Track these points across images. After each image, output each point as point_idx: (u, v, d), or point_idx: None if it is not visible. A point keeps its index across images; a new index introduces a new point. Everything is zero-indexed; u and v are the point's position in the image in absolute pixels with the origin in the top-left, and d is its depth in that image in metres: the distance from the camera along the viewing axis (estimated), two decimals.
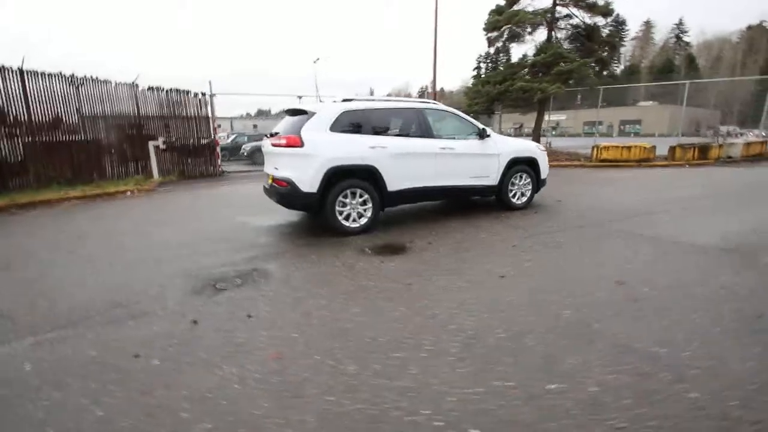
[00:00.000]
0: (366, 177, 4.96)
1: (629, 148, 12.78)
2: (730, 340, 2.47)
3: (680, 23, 67.42)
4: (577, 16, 15.86)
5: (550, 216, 5.89)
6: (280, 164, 4.95)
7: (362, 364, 2.28)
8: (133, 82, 10.91)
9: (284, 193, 4.85)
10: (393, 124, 5.37)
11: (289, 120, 5.24)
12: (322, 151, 4.71)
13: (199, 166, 12.44)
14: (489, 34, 16.42)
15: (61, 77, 9.43)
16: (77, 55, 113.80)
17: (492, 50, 17.72)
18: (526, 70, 16.09)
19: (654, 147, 12.98)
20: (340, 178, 4.83)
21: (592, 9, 15.04)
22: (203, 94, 12.27)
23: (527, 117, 21.94)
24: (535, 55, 15.94)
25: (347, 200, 4.94)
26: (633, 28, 64.05)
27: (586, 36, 15.97)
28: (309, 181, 4.68)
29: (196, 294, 3.35)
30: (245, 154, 18.02)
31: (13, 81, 8.58)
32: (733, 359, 2.25)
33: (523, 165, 6.13)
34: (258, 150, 17.65)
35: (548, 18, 15.73)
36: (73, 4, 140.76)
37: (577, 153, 14.94)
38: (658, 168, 11.96)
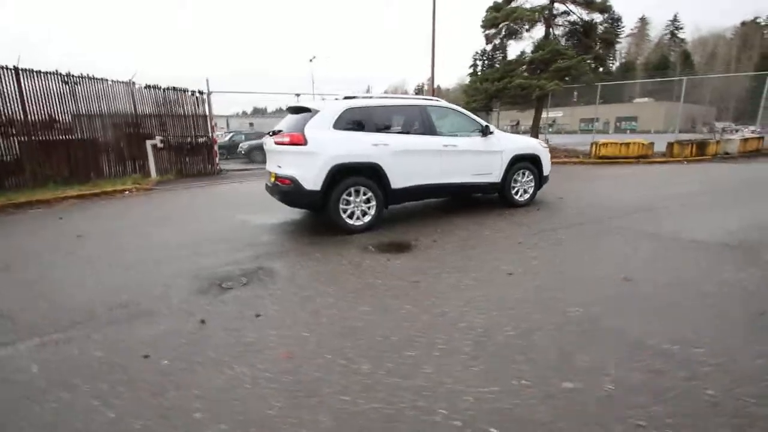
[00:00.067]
0: (370, 175, 4.94)
1: (628, 144, 12.81)
2: (738, 336, 2.47)
3: (675, 20, 67.66)
4: (574, 13, 15.88)
5: (553, 213, 5.89)
6: (284, 162, 4.91)
7: (375, 362, 2.27)
8: (130, 80, 10.81)
9: (288, 191, 4.81)
10: (396, 121, 5.35)
11: (291, 118, 5.20)
12: (325, 148, 4.68)
13: (197, 165, 12.37)
14: (487, 31, 16.40)
15: (57, 75, 9.32)
16: (77, 55, 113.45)
17: (489, 47, 17.69)
18: (524, 67, 16.10)
19: (652, 143, 13.02)
20: (343, 175, 4.80)
21: (590, 5, 15.05)
22: (201, 93, 12.18)
23: (524, 114, 21.98)
24: (533, 52, 15.93)
25: (351, 198, 4.91)
26: (628, 25, 64.11)
27: (583, 33, 15.99)
28: (313, 179, 4.65)
29: (202, 293, 3.32)
30: (243, 152, 17.91)
31: (8, 79, 8.47)
32: (743, 356, 2.25)
33: (526, 162, 6.12)
34: (255, 148, 17.60)
35: (546, 15, 15.73)
36: (73, 4, 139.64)
37: (575, 150, 14.96)
38: (657, 164, 12.00)
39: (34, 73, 8.89)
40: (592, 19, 15.90)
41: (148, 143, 10.86)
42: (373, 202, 5.03)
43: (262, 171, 12.19)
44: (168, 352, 2.45)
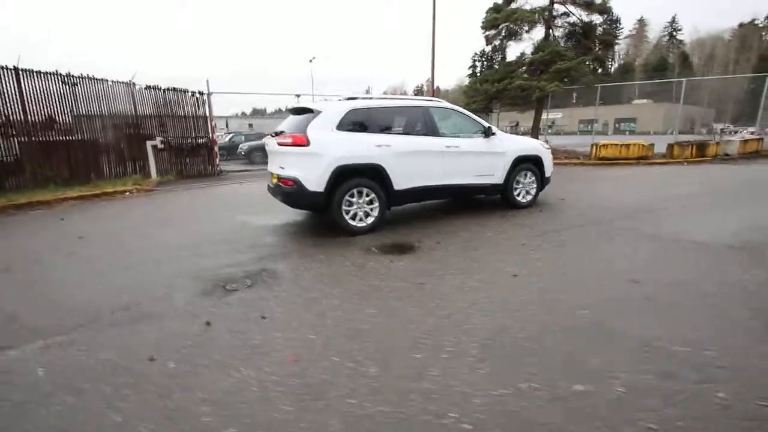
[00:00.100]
0: (372, 176, 4.93)
1: (628, 146, 12.82)
2: (747, 338, 2.46)
3: (673, 21, 67.88)
4: (574, 14, 15.90)
5: (555, 214, 5.88)
6: (286, 163, 4.90)
7: (382, 365, 2.26)
8: (130, 81, 10.79)
9: (290, 192, 4.80)
10: (399, 122, 5.33)
11: (294, 119, 5.19)
12: (328, 149, 4.67)
13: (197, 166, 12.34)
14: (487, 32, 16.40)
15: (57, 76, 9.29)
16: (77, 55, 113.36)
17: (489, 48, 17.72)
18: (524, 68, 16.10)
19: (652, 145, 13.03)
20: (346, 177, 4.79)
21: (590, 7, 15.07)
22: (201, 93, 12.16)
23: (524, 116, 21.99)
24: (533, 54, 15.95)
25: (354, 199, 4.90)
26: (627, 26, 64.27)
27: (582, 34, 16.00)
28: (316, 180, 4.64)
29: (206, 295, 3.31)
30: (242, 153, 17.89)
31: (8, 79, 8.44)
32: (753, 358, 2.25)
33: (528, 163, 6.11)
34: (255, 149, 17.59)
35: (546, 16, 15.75)
36: (73, 4, 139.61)
37: (575, 151, 14.97)
38: (657, 165, 12.01)
39: (34, 74, 8.86)
40: (592, 21, 15.94)
41: (149, 144, 10.83)
42: (376, 204, 5.02)
43: (262, 172, 12.15)
44: (174, 354, 2.44)
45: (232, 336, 2.63)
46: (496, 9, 15.88)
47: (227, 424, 1.83)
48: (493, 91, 15.34)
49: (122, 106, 10.72)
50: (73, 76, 9.58)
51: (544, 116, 17.94)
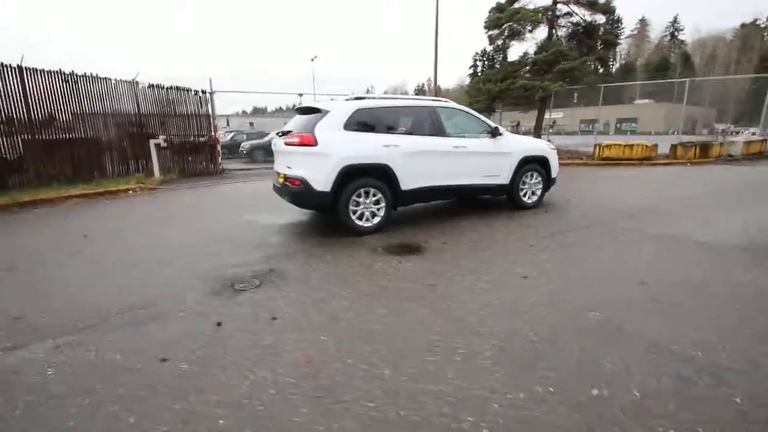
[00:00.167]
0: (380, 176, 4.91)
1: (631, 146, 12.80)
2: (759, 341, 2.45)
3: (675, 21, 67.80)
4: (577, 14, 15.88)
5: (561, 215, 5.87)
6: (293, 163, 4.88)
7: (396, 368, 2.24)
8: (133, 80, 10.76)
9: (297, 191, 4.78)
10: (406, 122, 5.31)
11: (300, 118, 5.17)
12: (336, 149, 4.65)
13: (200, 164, 12.32)
14: (490, 32, 16.39)
15: (60, 74, 9.27)
16: (77, 55, 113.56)
17: (491, 48, 17.66)
18: (527, 68, 16.09)
19: (656, 145, 13.01)
20: (353, 177, 4.77)
21: (593, 6, 15.05)
22: (203, 92, 12.14)
23: (525, 115, 21.98)
24: (536, 53, 15.93)
25: (360, 199, 4.89)
26: (628, 26, 64.22)
27: (585, 34, 15.98)
28: (323, 180, 4.63)
29: (215, 295, 3.29)
30: (244, 152, 17.88)
31: (12, 78, 8.43)
32: (766, 362, 2.24)
33: (534, 164, 6.10)
34: (257, 148, 17.58)
35: (549, 16, 15.72)
36: (73, 4, 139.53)
37: (578, 151, 14.95)
38: (661, 166, 11.99)
39: (38, 72, 8.84)
40: (595, 20, 15.92)
41: (152, 142, 10.81)
42: (383, 204, 5.01)
43: (265, 170, 12.15)
44: (186, 355, 2.42)
45: (244, 337, 2.62)
46: (499, 9, 15.86)
47: (244, 427, 1.82)
48: (496, 90, 15.33)
49: (125, 104, 10.71)
50: (76, 74, 9.56)
51: (546, 116, 17.93)
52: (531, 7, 15.78)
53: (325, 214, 5.67)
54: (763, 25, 59.78)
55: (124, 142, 10.71)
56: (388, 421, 1.85)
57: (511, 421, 1.82)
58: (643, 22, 70.44)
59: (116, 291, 3.44)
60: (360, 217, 4.94)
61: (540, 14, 15.42)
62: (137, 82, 10.86)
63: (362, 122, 4.92)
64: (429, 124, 5.32)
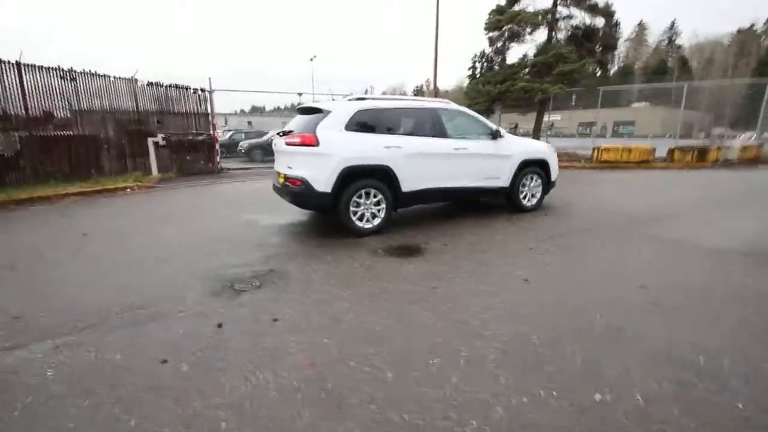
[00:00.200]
0: (381, 177, 4.90)
1: (630, 149, 12.85)
2: (760, 346, 2.46)
3: (673, 25, 68.12)
4: (578, 17, 15.93)
5: (560, 218, 5.88)
6: (294, 163, 4.87)
7: (400, 371, 2.23)
8: (132, 77, 10.70)
9: (298, 192, 4.77)
10: (407, 123, 5.30)
11: (302, 118, 5.15)
12: (337, 150, 4.64)
13: (198, 163, 12.25)
14: (490, 34, 16.41)
15: (59, 71, 9.21)
16: (77, 54, 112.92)
17: (491, 50, 17.64)
18: (527, 70, 16.11)
19: (654, 149, 13.06)
20: (354, 178, 4.76)
21: (594, 9, 15.11)
22: (203, 90, 12.08)
23: (525, 117, 22.01)
24: (535, 56, 15.97)
25: (361, 200, 4.88)
26: (626, 30, 64.47)
27: (585, 37, 16.03)
28: (324, 181, 4.61)
29: (215, 295, 3.28)
30: (243, 151, 17.83)
31: (10, 74, 8.37)
32: None
33: (535, 167, 6.10)
34: (255, 147, 17.55)
35: (549, 18, 15.76)
36: (73, 4, 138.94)
37: (577, 154, 14.99)
38: (659, 170, 12.04)
39: (36, 68, 8.78)
40: (594, 24, 15.98)
41: (150, 141, 10.76)
42: (383, 205, 5.00)
43: (263, 170, 12.10)
44: (187, 356, 2.41)
45: (245, 339, 2.60)
46: (499, 11, 15.89)
47: (246, 430, 1.81)
48: (496, 92, 15.35)
49: (124, 102, 10.63)
50: (74, 71, 9.50)
51: (545, 118, 17.98)
52: (531, 9, 15.82)
53: (325, 214, 5.66)
54: (759, 31, 60.18)
55: (122, 139, 10.64)
56: (393, 424, 1.84)
57: (515, 427, 1.82)
58: (641, 26, 70.67)
59: (116, 290, 3.42)
60: (360, 218, 4.93)
61: (540, 17, 15.45)
62: (136, 80, 10.79)
63: (364, 123, 4.91)
64: (430, 125, 5.32)
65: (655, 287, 3.33)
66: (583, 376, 2.18)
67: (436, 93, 17.48)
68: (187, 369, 2.29)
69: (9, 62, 8.28)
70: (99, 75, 9.99)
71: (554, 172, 6.39)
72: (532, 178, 6.15)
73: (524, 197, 6.15)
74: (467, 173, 5.51)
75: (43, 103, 9.00)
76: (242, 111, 54.28)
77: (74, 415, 1.95)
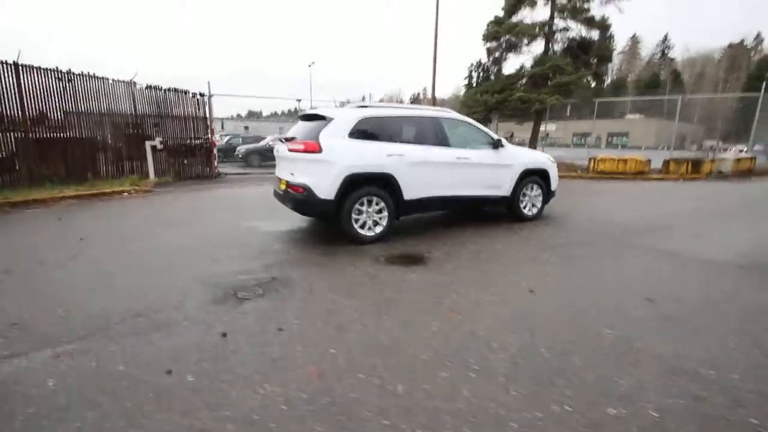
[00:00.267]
0: (383, 185, 4.89)
1: (625, 160, 12.98)
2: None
3: (665, 39, 69.36)
4: (574, 30, 16.16)
5: (560, 228, 5.90)
6: (297, 170, 4.84)
7: (410, 383, 2.20)
8: (130, 80, 10.65)
9: (300, 199, 4.74)
10: (410, 132, 5.30)
11: (304, 125, 5.14)
12: (340, 157, 4.63)
13: (196, 167, 12.19)
14: (488, 44, 16.61)
15: (57, 72, 9.14)
16: (77, 54, 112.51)
17: (489, 60, 17.81)
18: (524, 80, 16.29)
19: (649, 161, 13.20)
20: (357, 185, 4.75)
21: (590, 23, 15.33)
22: (201, 95, 12.06)
23: (521, 127, 22.19)
24: (532, 67, 16.15)
25: (363, 208, 4.86)
26: (620, 43, 65.50)
27: (581, 49, 16.26)
28: (327, 188, 4.59)
29: (218, 303, 3.23)
30: (240, 155, 17.79)
31: (7, 75, 8.28)
32: None
33: (535, 176, 6.13)
34: (253, 152, 17.51)
35: (546, 30, 15.97)
36: (73, 4, 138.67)
37: (573, 164, 15.09)
38: (654, 181, 12.16)
39: (34, 70, 8.70)
40: (591, 36, 16.21)
41: (148, 144, 10.69)
42: (385, 213, 4.98)
43: (261, 175, 12.07)
44: (192, 367, 2.36)
45: (251, 349, 2.56)
46: (497, 22, 16.08)
47: None
48: (493, 102, 15.49)
49: (122, 105, 10.58)
50: (72, 73, 9.44)
51: (542, 128, 18.14)
52: (529, 21, 16.04)
53: (325, 221, 5.63)
54: (749, 46, 61.44)
55: (119, 142, 10.58)
56: None
57: None
58: (634, 39, 71.90)
59: (115, 297, 3.35)
60: (362, 226, 4.91)
61: (537, 29, 15.66)
62: (134, 83, 10.75)
63: (366, 131, 4.91)
64: (433, 134, 5.33)
65: (661, 300, 3.32)
66: (597, 390, 2.16)
67: (434, 102, 17.58)
68: (192, 380, 2.24)
69: (6, 63, 8.21)
70: (97, 77, 9.93)
71: (554, 181, 6.43)
72: (532, 188, 6.17)
73: (525, 207, 6.17)
74: (469, 182, 5.52)
75: (40, 104, 8.91)
76: (239, 115, 54.26)
77: (80, 428, 1.90)
